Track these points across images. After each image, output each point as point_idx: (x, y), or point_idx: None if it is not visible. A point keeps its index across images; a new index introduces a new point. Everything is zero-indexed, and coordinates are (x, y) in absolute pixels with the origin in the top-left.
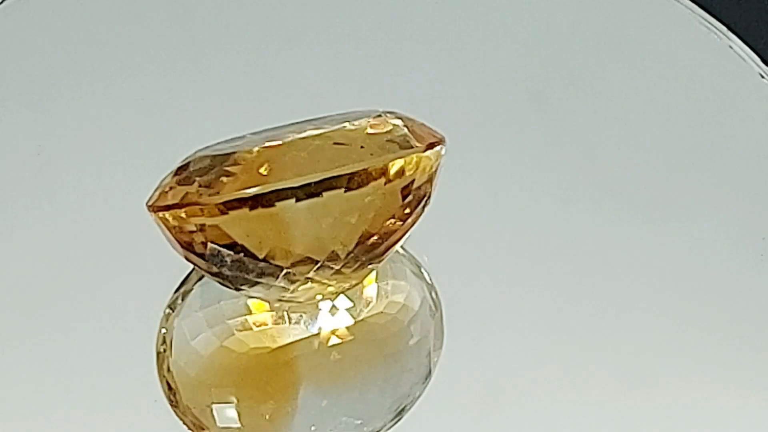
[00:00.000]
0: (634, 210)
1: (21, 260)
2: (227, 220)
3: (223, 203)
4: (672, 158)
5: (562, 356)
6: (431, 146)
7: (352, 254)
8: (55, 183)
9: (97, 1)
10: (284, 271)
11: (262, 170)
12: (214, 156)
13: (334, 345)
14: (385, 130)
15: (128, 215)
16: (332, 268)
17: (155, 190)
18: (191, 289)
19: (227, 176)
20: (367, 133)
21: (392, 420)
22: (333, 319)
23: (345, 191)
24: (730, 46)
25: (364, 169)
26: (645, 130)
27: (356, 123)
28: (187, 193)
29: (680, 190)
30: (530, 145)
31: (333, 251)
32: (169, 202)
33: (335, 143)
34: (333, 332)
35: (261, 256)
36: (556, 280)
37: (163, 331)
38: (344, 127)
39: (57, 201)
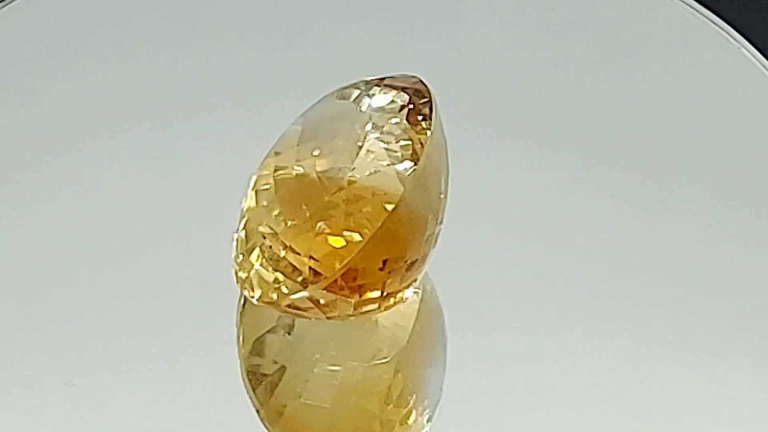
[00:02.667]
0: (635, 209)
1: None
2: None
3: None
4: (675, 158)
5: (563, 356)
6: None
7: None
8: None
9: (97, 2)
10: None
11: (366, 184)
12: (311, 214)
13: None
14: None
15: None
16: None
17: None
18: None
19: (356, 203)
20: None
21: None
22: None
23: (444, 141)
24: (743, 51)
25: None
26: (646, 130)
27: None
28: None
29: (683, 190)
30: (531, 144)
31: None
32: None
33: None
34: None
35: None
36: (557, 279)
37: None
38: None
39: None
